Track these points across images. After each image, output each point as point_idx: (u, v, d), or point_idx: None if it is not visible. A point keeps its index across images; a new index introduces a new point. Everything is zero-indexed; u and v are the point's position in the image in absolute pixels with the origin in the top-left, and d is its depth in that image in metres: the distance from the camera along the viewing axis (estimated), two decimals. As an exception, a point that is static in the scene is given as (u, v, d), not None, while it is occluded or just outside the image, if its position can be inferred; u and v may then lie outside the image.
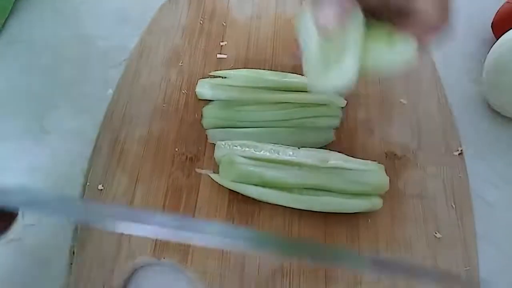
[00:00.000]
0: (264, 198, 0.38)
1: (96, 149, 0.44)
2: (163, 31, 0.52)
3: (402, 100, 0.47)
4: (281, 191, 0.38)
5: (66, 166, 0.44)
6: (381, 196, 0.39)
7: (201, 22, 0.53)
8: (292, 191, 0.38)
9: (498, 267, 0.39)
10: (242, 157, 0.38)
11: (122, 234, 0.38)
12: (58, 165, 0.44)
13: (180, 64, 0.49)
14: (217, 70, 0.47)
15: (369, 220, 0.39)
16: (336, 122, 0.44)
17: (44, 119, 0.47)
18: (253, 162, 0.38)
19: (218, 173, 0.40)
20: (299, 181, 0.38)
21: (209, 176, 0.41)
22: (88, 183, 0.41)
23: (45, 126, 0.47)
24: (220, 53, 0.50)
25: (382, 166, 0.40)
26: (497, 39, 0.51)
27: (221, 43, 0.51)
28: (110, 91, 0.48)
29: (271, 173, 0.38)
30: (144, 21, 0.53)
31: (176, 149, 0.43)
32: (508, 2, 0.52)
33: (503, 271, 0.39)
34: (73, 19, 0.56)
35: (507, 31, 0.47)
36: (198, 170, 0.42)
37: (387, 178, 0.39)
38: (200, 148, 0.43)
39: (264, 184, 0.38)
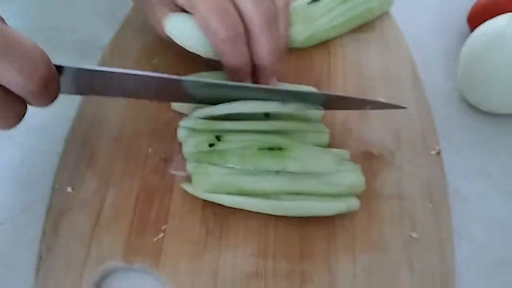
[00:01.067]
0: (239, 206, 0.37)
1: (65, 150, 0.42)
2: (137, 28, 0.50)
3: (380, 98, 0.47)
4: (257, 198, 0.37)
5: (34, 164, 0.43)
6: (358, 196, 0.39)
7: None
8: (269, 197, 0.37)
9: (473, 262, 0.39)
10: (214, 166, 0.37)
11: (92, 237, 0.37)
12: (25, 163, 0.43)
13: (154, 62, 0.48)
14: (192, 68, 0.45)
15: (346, 222, 0.39)
16: (325, 137, 0.41)
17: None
18: (227, 170, 0.37)
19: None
20: (277, 187, 0.37)
21: (183, 178, 0.40)
22: (56, 186, 0.40)
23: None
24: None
25: (358, 165, 0.39)
26: (472, 33, 0.51)
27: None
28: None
29: (247, 181, 0.37)
30: (117, 15, 0.52)
31: (149, 150, 0.42)
32: (484, -5, 0.52)
33: (478, 267, 0.39)
34: (44, 11, 0.54)
35: (482, 25, 0.47)
36: (172, 172, 0.41)
37: (363, 178, 0.39)
38: (174, 148, 0.42)
39: (240, 193, 0.37)
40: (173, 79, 0.36)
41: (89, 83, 0.36)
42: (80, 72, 0.35)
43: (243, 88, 0.38)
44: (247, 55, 0.38)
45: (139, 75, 0.36)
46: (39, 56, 0.30)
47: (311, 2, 0.49)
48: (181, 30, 0.40)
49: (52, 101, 0.34)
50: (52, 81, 0.32)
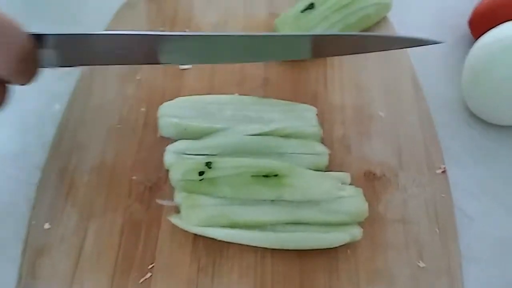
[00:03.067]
0: (233, 240, 0.34)
1: (42, 180, 0.39)
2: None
3: (380, 112, 0.44)
4: (252, 230, 0.34)
5: (8, 195, 0.39)
6: (360, 223, 0.36)
7: (162, 29, 0.48)
8: (264, 228, 0.34)
9: (482, 286, 0.36)
10: (205, 196, 0.34)
11: (73, 281, 0.34)
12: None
13: (137, 78, 0.45)
14: (179, 86, 0.42)
15: (348, 251, 0.36)
16: (324, 160, 0.39)
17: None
18: (219, 201, 0.34)
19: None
20: (273, 218, 0.34)
21: (172, 210, 0.37)
22: (33, 222, 0.36)
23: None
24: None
25: (360, 190, 0.37)
26: (474, 38, 0.48)
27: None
28: (57, 106, 0.43)
29: (241, 212, 0.34)
30: (96, 26, 0.48)
31: (134, 178, 0.39)
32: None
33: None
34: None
35: (485, 30, 0.44)
36: (159, 201, 0.38)
37: (366, 204, 0.36)
38: (161, 175, 0.39)
39: (233, 225, 0.34)
40: (157, 35, 0.33)
41: (72, 51, 0.33)
42: (62, 39, 0.32)
43: (226, 38, 0.34)
44: None
45: (125, 34, 0.33)
46: (13, 27, 0.27)
47: (305, 10, 0.46)
48: None
49: (33, 76, 0.31)
50: (31, 54, 0.29)
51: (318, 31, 0.46)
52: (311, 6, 0.46)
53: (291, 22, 0.46)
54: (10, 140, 0.42)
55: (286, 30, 0.46)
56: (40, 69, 0.32)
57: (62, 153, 0.40)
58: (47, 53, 0.32)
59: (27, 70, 0.30)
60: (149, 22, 0.49)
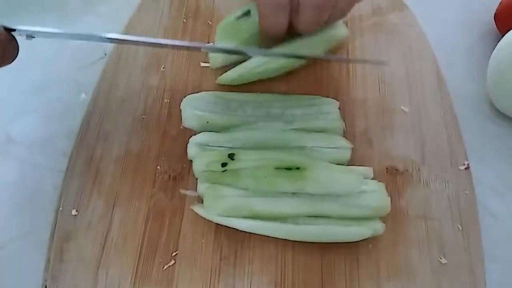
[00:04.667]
0: (254, 231, 0.35)
1: (69, 168, 0.40)
2: (143, 31, 0.47)
3: (403, 107, 0.43)
4: (274, 222, 0.34)
5: (36, 181, 0.40)
6: (382, 217, 0.36)
7: (185, 21, 0.49)
8: (286, 220, 0.35)
9: (503, 286, 0.36)
10: (228, 187, 0.35)
11: (99, 265, 0.35)
12: (26, 180, 0.40)
13: (161, 69, 0.45)
14: (201, 79, 0.42)
15: (370, 245, 0.36)
16: (347, 154, 0.39)
17: (10, 127, 0.43)
18: (241, 192, 0.34)
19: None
20: (294, 210, 0.34)
21: (195, 200, 0.37)
22: (61, 208, 0.37)
23: (12, 136, 0.43)
24: (206, 55, 0.46)
25: (383, 185, 0.36)
26: (500, 32, 0.47)
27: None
28: (83, 95, 0.44)
29: (262, 204, 0.34)
30: (119, 17, 0.48)
31: (158, 167, 0.39)
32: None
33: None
34: (40, 13, 0.51)
35: (511, 25, 0.43)
36: (182, 191, 0.38)
37: (389, 199, 0.36)
38: (184, 165, 0.40)
39: (255, 216, 0.34)
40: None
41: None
42: (33, 33, 0.33)
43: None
44: (284, 25, 0.37)
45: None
46: None
47: (240, 17, 0.42)
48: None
49: (6, 64, 0.33)
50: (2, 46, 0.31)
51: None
52: (247, 13, 0.42)
53: (228, 28, 0.43)
54: (37, 129, 0.43)
55: (224, 36, 0.43)
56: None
57: (88, 142, 0.41)
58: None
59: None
60: (171, 14, 0.49)
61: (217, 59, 0.44)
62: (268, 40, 0.40)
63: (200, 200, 0.37)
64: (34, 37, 0.33)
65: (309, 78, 0.45)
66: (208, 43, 0.47)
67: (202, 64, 0.45)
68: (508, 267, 0.37)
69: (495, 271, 0.36)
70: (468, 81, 0.47)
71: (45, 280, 0.35)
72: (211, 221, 0.36)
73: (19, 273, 0.36)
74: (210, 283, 0.34)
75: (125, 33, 0.47)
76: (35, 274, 0.35)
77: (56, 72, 0.47)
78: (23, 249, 0.37)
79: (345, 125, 0.41)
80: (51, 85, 0.46)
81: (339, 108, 0.41)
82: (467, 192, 0.39)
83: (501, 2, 0.49)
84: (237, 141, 0.38)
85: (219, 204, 0.35)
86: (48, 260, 0.35)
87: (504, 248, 0.38)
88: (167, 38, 0.42)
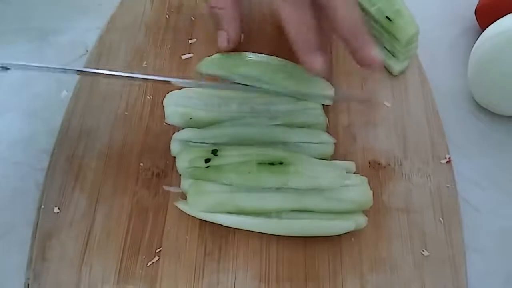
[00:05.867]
0: (239, 226, 0.35)
1: (51, 165, 0.39)
2: (124, 28, 0.47)
3: (386, 102, 0.44)
4: (258, 217, 0.34)
5: (17, 179, 0.40)
6: (364, 211, 0.36)
7: (167, 16, 0.48)
8: (270, 215, 0.35)
9: (485, 277, 0.37)
10: (211, 183, 0.35)
11: (82, 263, 0.35)
12: (8, 179, 0.40)
13: (144, 65, 0.45)
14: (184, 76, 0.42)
15: (353, 239, 0.37)
16: (330, 149, 0.39)
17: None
18: (225, 188, 0.34)
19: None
20: (278, 205, 0.34)
21: (178, 196, 0.37)
22: (43, 206, 0.37)
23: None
24: (189, 52, 0.45)
25: (365, 179, 0.37)
26: (481, 28, 0.48)
27: (190, 41, 0.46)
28: (65, 92, 0.44)
29: (246, 199, 0.34)
30: (101, 13, 0.48)
31: (141, 164, 0.39)
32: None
33: (491, 282, 0.37)
34: (23, 11, 0.51)
35: (491, 20, 0.44)
36: (165, 188, 0.38)
37: (371, 193, 0.36)
38: (168, 162, 0.39)
39: (239, 212, 0.34)
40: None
41: None
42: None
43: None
44: (310, 21, 0.32)
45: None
46: None
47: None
48: None
49: None
50: None
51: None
52: None
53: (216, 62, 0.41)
54: (18, 126, 0.43)
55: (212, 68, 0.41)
56: None
57: (70, 139, 0.40)
58: None
59: None
60: (153, 10, 0.49)
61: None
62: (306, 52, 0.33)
63: (183, 196, 0.37)
64: (9, 69, 0.34)
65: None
66: (190, 39, 0.47)
67: (184, 57, 0.45)
68: (489, 259, 0.38)
69: (477, 263, 0.37)
70: (450, 76, 0.48)
71: (28, 279, 0.34)
72: (195, 217, 0.36)
73: (1, 271, 0.36)
74: (194, 278, 0.34)
75: (107, 30, 0.47)
76: (18, 272, 0.35)
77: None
78: (5, 247, 0.37)
79: (328, 121, 0.41)
80: (32, 82, 0.45)
81: (322, 104, 0.41)
82: (448, 185, 0.39)
83: (481, -3, 0.50)
84: (221, 137, 0.38)
85: (203, 200, 0.35)
86: (30, 259, 0.35)
87: (485, 240, 0.39)
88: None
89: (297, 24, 0.33)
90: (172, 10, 0.49)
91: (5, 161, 0.41)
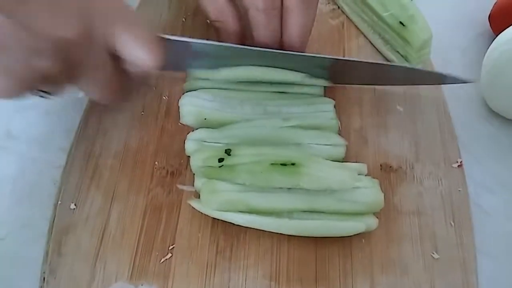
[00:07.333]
0: (250, 225, 0.35)
1: (68, 163, 0.40)
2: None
3: (398, 106, 0.44)
4: (269, 217, 0.35)
5: (35, 176, 0.41)
6: (375, 213, 0.37)
7: (184, 19, 0.49)
8: (281, 215, 0.35)
9: (496, 282, 0.37)
10: (224, 182, 0.35)
11: (97, 258, 0.36)
12: (26, 175, 0.41)
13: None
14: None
15: (363, 240, 0.37)
16: (341, 151, 0.39)
17: (10, 123, 0.44)
18: (237, 187, 0.35)
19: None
20: (289, 205, 0.35)
21: (192, 195, 0.38)
22: (59, 202, 0.38)
23: (12, 131, 0.43)
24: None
25: (377, 181, 0.37)
26: (494, 33, 0.48)
27: (206, 43, 0.47)
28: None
29: (258, 199, 0.35)
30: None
31: (156, 163, 0.40)
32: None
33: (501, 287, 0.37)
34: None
35: (505, 26, 0.44)
36: (179, 186, 0.39)
37: (382, 195, 0.36)
38: (182, 161, 0.40)
39: (251, 211, 0.35)
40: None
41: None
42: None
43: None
44: (278, 31, 0.39)
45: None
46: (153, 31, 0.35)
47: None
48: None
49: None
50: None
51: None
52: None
53: None
54: (37, 124, 0.44)
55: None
56: None
57: (87, 138, 0.41)
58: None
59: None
60: (171, 12, 0.50)
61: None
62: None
63: (197, 195, 0.38)
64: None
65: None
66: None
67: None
68: (500, 263, 0.38)
69: (487, 267, 0.37)
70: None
71: (43, 273, 0.35)
72: (207, 216, 0.37)
73: (18, 265, 0.36)
74: (206, 276, 0.35)
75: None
76: (34, 266, 0.36)
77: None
78: (22, 242, 0.37)
79: (341, 123, 0.42)
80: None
81: (334, 106, 0.42)
82: (460, 189, 0.40)
83: (496, 2, 0.50)
84: (234, 137, 0.39)
85: (216, 198, 0.35)
86: (46, 253, 0.36)
87: (496, 245, 0.38)
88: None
89: (265, 35, 0.39)
90: (188, 13, 0.50)
91: (23, 158, 0.42)
